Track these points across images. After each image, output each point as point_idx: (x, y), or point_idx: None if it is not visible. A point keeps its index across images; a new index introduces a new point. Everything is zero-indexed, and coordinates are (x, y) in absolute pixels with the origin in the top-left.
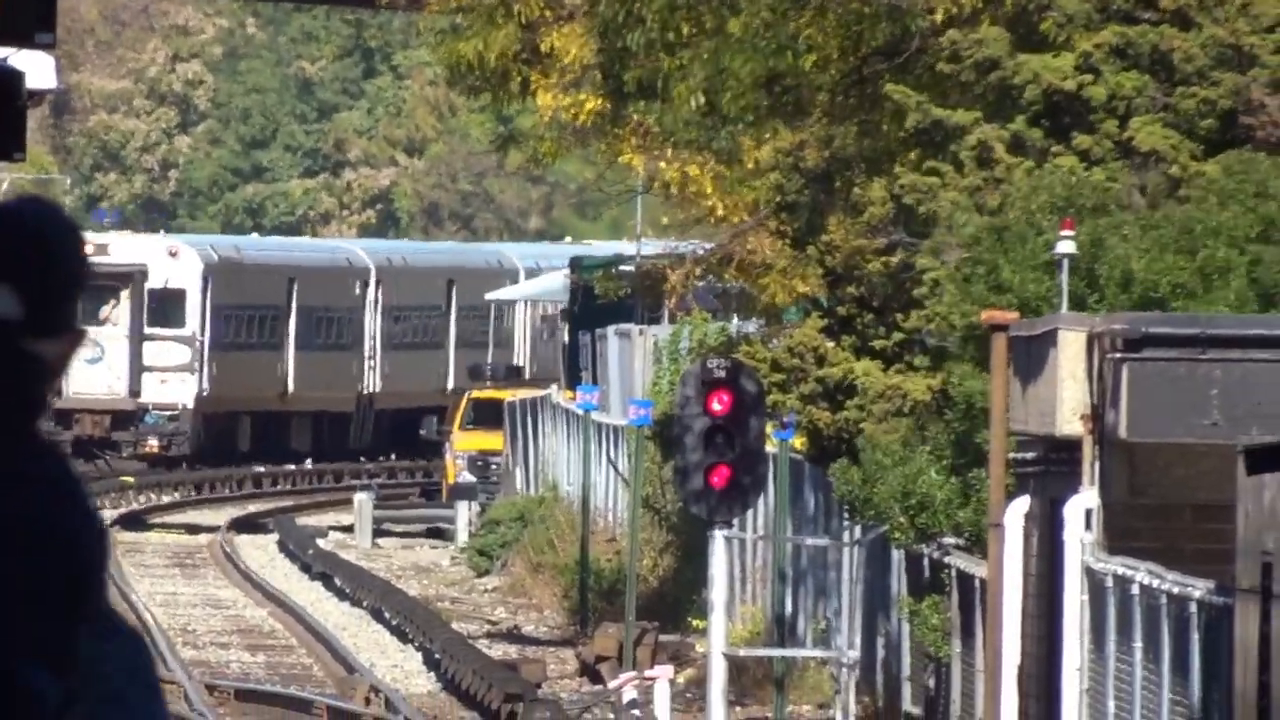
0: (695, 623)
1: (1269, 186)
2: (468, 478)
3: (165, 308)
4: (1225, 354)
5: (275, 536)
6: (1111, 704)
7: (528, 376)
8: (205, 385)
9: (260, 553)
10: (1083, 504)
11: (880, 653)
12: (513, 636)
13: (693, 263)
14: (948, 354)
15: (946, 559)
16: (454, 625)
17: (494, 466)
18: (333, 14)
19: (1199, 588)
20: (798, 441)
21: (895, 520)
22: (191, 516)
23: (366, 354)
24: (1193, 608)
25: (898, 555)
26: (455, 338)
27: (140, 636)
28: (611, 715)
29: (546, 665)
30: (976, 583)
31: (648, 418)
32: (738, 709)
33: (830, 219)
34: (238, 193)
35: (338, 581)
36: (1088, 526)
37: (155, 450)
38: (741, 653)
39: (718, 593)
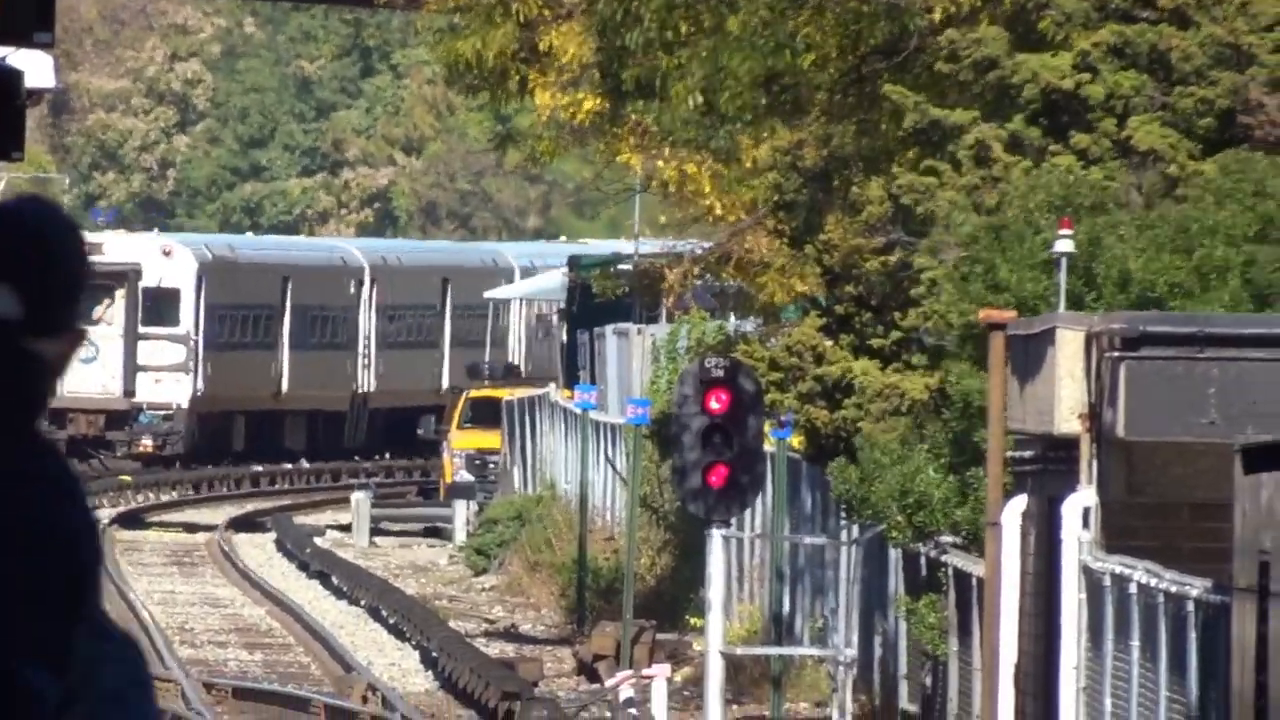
0: (693, 621)
1: (1267, 185)
2: (465, 477)
3: (159, 307)
4: (1223, 353)
5: (273, 535)
6: (1109, 703)
7: (523, 375)
8: (199, 385)
9: (258, 551)
10: (1080, 503)
11: (877, 651)
12: (510, 635)
13: (691, 262)
14: (945, 353)
15: (944, 558)
16: (451, 624)
17: (492, 465)
18: (331, 13)
19: (1196, 586)
20: (795, 440)
21: (893, 519)
22: (190, 515)
23: (361, 353)
24: (1190, 606)
25: (895, 554)
26: (450, 337)
27: (135, 640)
28: (609, 714)
29: (544, 664)
30: (974, 581)
31: (645, 417)
32: (735, 707)
33: (828, 218)
34: (236, 192)
35: (335, 580)
36: (1085, 525)
37: (149, 450)
38: (739, 651)
39: (715, 591)
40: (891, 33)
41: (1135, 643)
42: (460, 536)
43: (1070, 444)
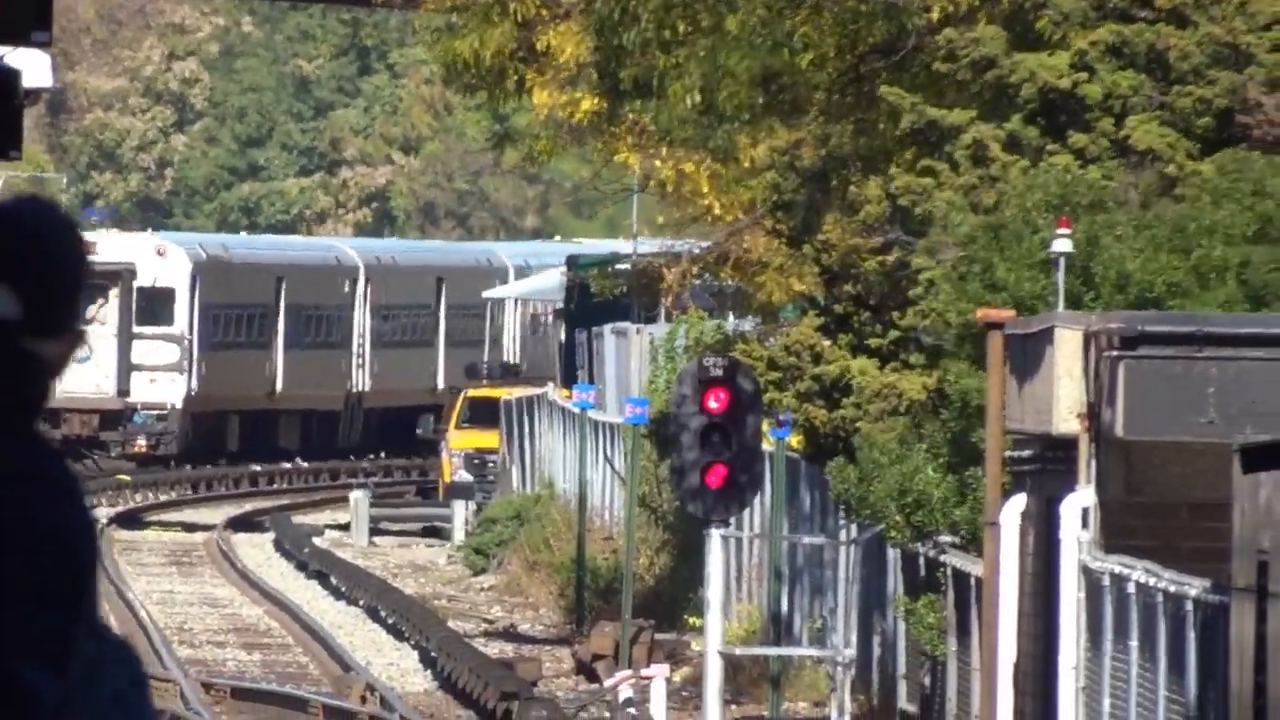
0: (691, 621)
1: (1265, 185)
2: (464, 476)
3: (154, 306)
4: (1221, 352)
5: (271, 535)
6: (1107, 702)
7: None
8: (194, 384)
9: (256, 551)
10: (1079, 502)
11: (876, 651)
12: (509, 635)
13: (689, 261)
14: (944, 352)
15: (942, 557)
16: (450, 624)
17: (490, 465)
18: (329, 12)
19: (1195, 586)
20: (794, 440)
21: (891, 519)
22: (188, 515)
23: (355, 352)
24: (1189, 606)
25: (894, 554)
26: (445, 336)
27: (130, 644)
28: (607, 714)
29: (542, 664)
30: (972, 581)
31: (644, 416)
32: (733, 707)
33: (826, 217)
34: (233, 191)
35: (334, 580)
36: (1084, 525)
37: (144, 450)
38: (737, 651)
39: (714, 591)
40: (889, 32)
41: (1134, 643)
42: (459, 536)
43: (1069, 444)
